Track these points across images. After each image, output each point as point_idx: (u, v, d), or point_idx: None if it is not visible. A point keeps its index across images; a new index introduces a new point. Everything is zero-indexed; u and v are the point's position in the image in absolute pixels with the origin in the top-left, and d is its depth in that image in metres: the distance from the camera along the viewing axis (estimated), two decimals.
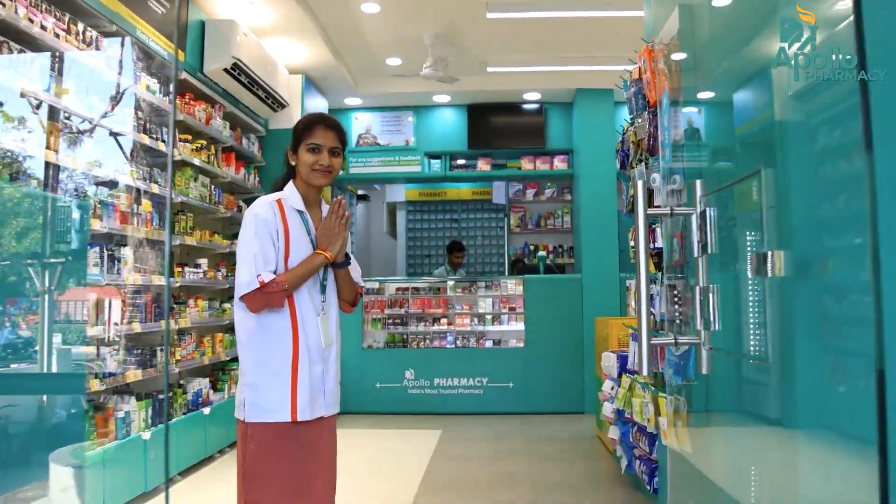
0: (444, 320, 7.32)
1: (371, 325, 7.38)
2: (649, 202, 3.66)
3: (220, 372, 5.68)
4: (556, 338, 7.19)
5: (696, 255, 1.87)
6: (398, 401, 7.19)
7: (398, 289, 7.48)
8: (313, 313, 2.38)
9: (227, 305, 5.63)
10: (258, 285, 2.22)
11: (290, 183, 2.46)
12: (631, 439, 4.32)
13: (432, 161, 7.96)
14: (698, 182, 1.91)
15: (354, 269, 2.60)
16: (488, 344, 7.27)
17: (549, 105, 7.90)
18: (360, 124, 8.01)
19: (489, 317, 7.29)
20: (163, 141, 4.55)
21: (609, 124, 7.41)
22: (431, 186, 11.26)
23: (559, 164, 7.85)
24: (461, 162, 8.10)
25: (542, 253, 7.56)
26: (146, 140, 4.31)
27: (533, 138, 7.85)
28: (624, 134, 4.03)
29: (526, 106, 7.91)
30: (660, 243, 3.16)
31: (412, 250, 11.47)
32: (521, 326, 7.24)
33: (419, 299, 7.38)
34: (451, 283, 7.41)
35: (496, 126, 7.88)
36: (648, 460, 3.95)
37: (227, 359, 5.59)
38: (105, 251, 3.86)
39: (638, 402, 3.52)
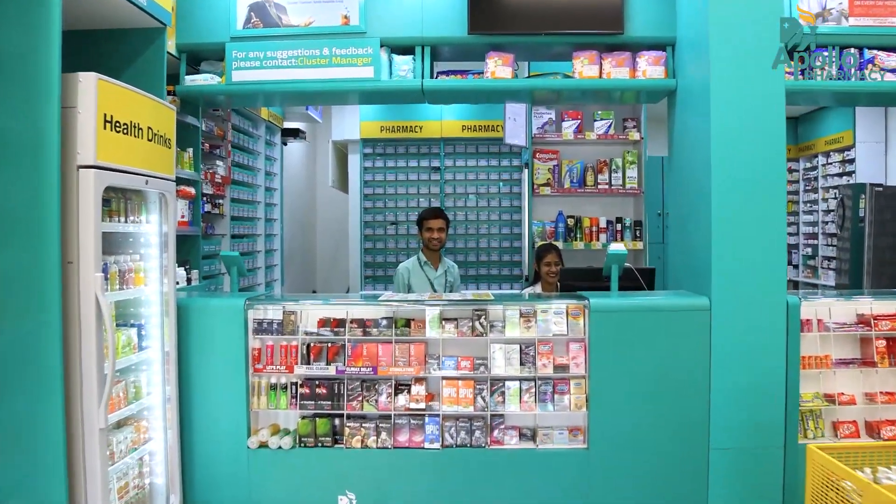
0: (417, 389, 3.53)
1: (268, 399, 3.56)
2: None
3: None
4: (654, 432, 3.47)
5: None
6: None
7: (324, 322, 3.61)
8: None
9: None
10: None
11: None
12: None
13: (397, 59, 4.01)
14: None
15: None
16: (511, 441, 3.51)
17: None
18: None
19: (513, 386, 3.50)
20: None
21: None
22: (395, 115, 7.29)
23: (648, 68, 3.95)
24: (452, 65, 4.17)
25: (616, 247, 3.73)
26: None
27: (599, 19, 3.91)
28: None
29: None
30: None
31: (371, 213, 7.57)
32: (578, 404, 3.48)
33: (367, 346, 3.55)
34: (431, 312, 3.56)
35: None
36: None
37: None
38: None
39: None
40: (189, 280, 4.30)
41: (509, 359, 3.51)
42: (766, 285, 3.44)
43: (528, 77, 4.15)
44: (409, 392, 3.52)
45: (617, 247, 3.79)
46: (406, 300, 3.63)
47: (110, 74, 2.83)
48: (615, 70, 3.97)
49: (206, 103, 4.43)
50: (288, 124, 7.28)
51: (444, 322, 3.53)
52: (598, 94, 4.16)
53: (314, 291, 9.50)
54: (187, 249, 4.42)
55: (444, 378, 3.52)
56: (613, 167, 5.28)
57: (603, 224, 5.30)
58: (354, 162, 7.66)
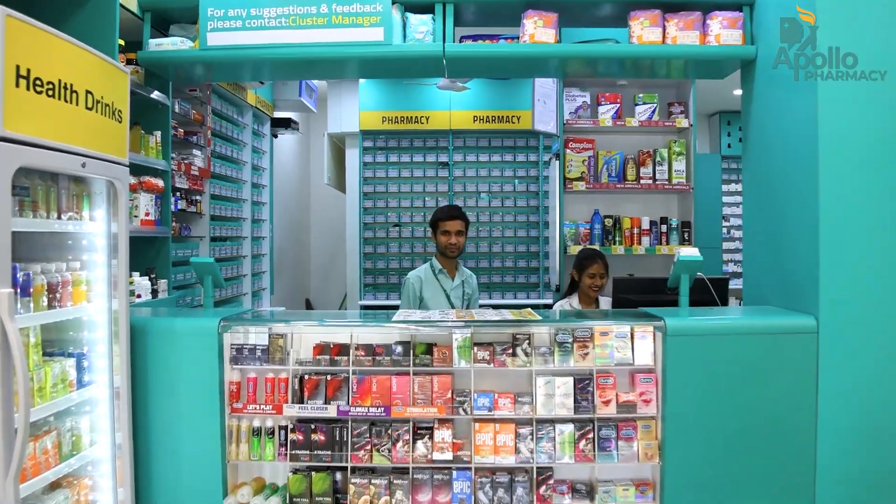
0: (442, 434, 2.75)
1: (249, 448, 2.77)
2: None
3: None
4: (744, 488, 2.72)
5: None
6: None
7: (322, 347, 2.83)
8: None
9: None
10: None
11: None
12: None
13: (413, 19, 3.25)
14: None
15: None
16: (563, 501, 2.74)
17: None
18: None
19: (566, 430, 2.73)
20: None
21: None
22: (399, 104, 6.54)
23: (723, 31, 3.20)
24: (477, 31, 3.41)
25: (689, 253, 2.98)
26: None
27: None
28: None
29: None
30: None
31: (371, 214, 6.80)
32: (649, 452, 2.72)
33: (378, 380, 2.77)
34: (460, 335, 2.77)
35: None
36: None
37: None
38: None
39: None
40: (155, 292, 3.52)
41: (560, 395, 2.73)
42: (889, 301, 2.69)
43: (580, 43, 3.37)
44: (431, 438, 2.74)
45: (689, 252, 3.03)
46: (428, 321, 2.85)
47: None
48: (681, 34, 3.22)
49: (178, 76, 3.65)
50: (279, 114, 6.51)
51: (475, 348, 2.75)
52: (661, 65, 3.40)
53: (307, 301, 8.71)
54: (154, 254, 3.64)
55: (476, 420, 2.74)
56: (658, 159, 4.53)
57: (646, 225, 4.55)
58: (353, 157, 6.89)
